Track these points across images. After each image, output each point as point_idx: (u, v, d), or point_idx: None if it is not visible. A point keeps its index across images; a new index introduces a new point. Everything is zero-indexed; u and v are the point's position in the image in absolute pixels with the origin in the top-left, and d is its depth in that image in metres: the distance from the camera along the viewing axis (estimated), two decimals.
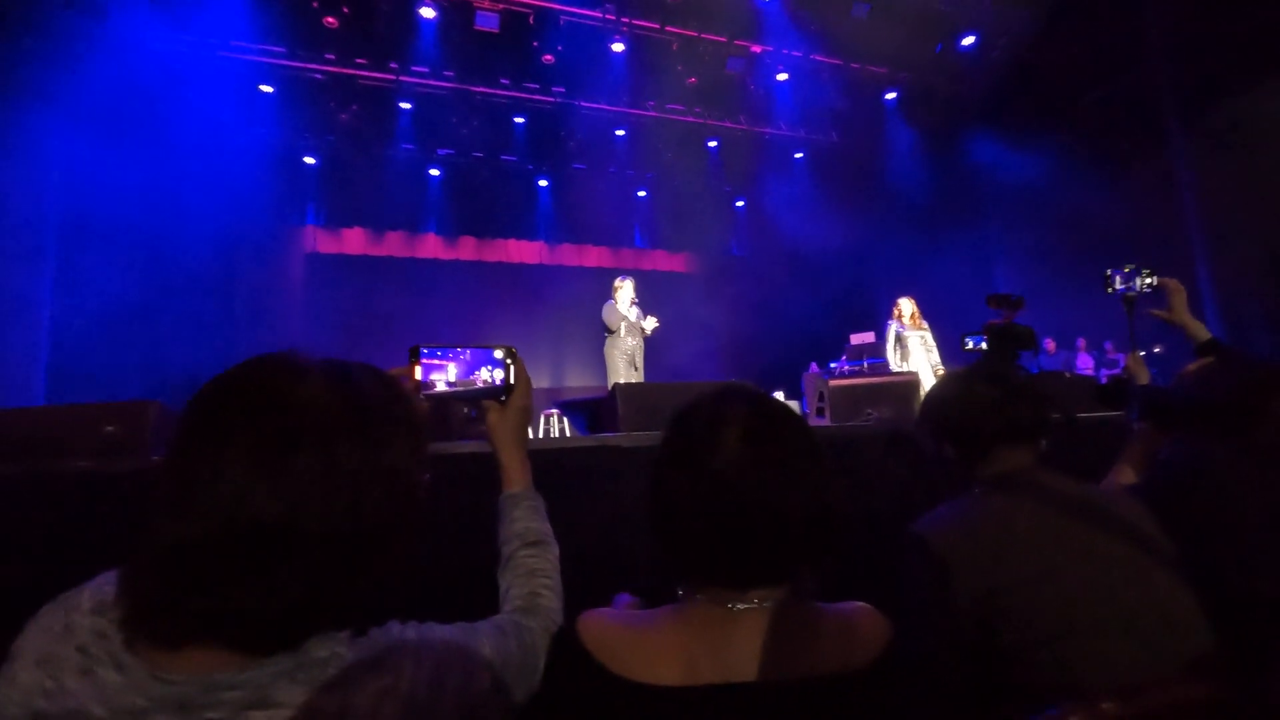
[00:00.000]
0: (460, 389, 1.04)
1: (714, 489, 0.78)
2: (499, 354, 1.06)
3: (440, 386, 1.02)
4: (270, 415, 0.59)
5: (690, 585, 0.85)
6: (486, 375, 1.05)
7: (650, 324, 6.11)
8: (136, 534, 0.58)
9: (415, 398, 0.73)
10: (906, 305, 6.60)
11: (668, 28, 8.78)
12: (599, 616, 0.84)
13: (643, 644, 0.79)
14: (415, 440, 0.68)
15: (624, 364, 6.00)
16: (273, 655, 0.60)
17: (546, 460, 1.64)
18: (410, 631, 0.71)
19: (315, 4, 7.71)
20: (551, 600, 0.94)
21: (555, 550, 1.01)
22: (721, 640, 0.78)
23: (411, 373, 0.99)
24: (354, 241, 11.43)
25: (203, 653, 0.58)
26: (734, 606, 0.80)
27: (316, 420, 0.60)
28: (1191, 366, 1.43)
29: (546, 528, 1.02)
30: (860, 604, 0.88)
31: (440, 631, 0.75)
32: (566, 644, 0.81)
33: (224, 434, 0.58)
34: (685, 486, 0.81)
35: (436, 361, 1.02)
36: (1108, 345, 9.18)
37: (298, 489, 0.57)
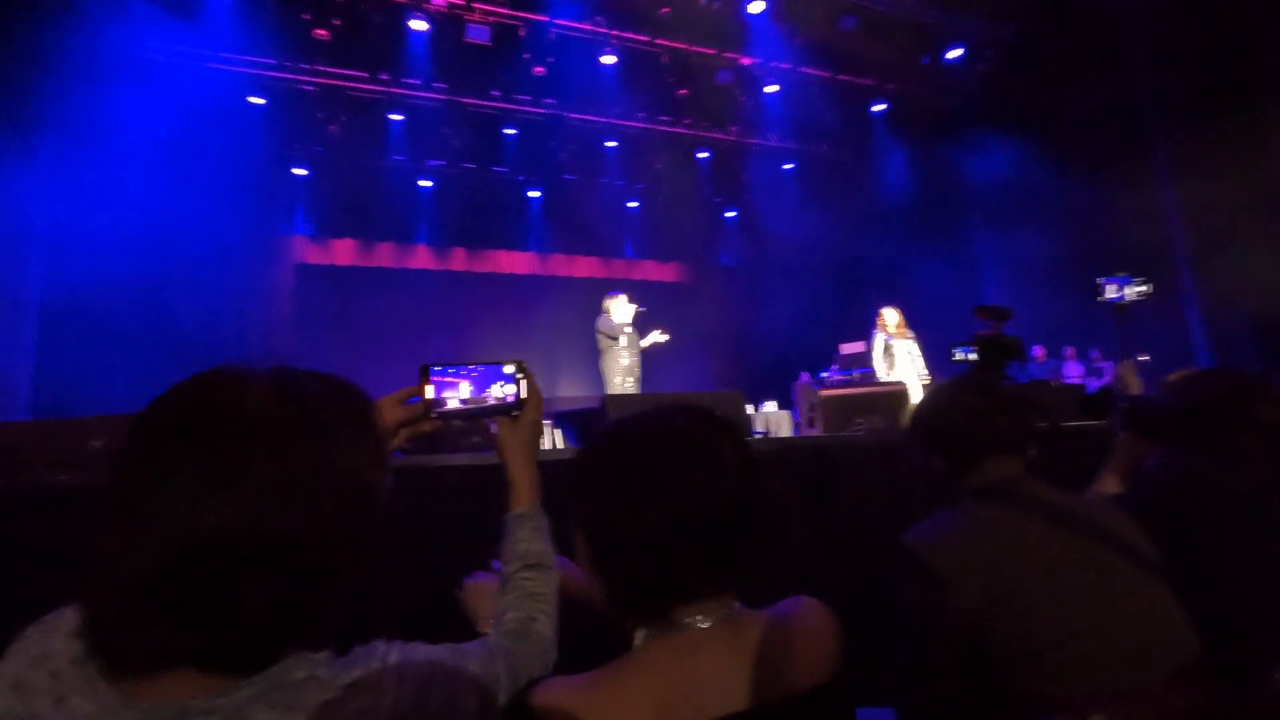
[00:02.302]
0: (472, 406, 1.03)
1: (666, 507, 0.76)
2: (509, 369, 1.06)
3: (453, 404, 1.01)
4: (219, 428, 0.57)
5: (639, 613, 0.81)
6: (498, 391, 1.05)
7: (650, 340, 6.16)
8: (86, 563, 0.55)
9: (369, 400, 0.71)
10: (891, 315, 6.62)
11: (658, 40, 8.84)
12: (553, 687, 0.79)
13: (608, 704, 0.75)
14: (371, 443, 0.66)
15: (622, 377, 5.99)
16: (249, 677, 0.58)
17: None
18: (395, 650, 0.69)
19: (306, 16, 7.71)
20: (546, 628, 0.92)
21: (556, 575, 0.99)
22: (689, 675, 0.75)
23: (422, 392, 0.98)
24: (344, 253, 11.40)
25: (176, 678, 0.56)
26: (690, 622, 0.77)
27: (266, 429, 0.58)
28: (1172, 376, 1.45)
29: (550, 550, 1.00)
30: (805, 601, 0.86)
31: (426, 651, 0.73)
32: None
33: (172, 451, 0.56)
34: (637, 515, 0.77)
35: (448, 379, 1.01)
36: (1093, 354, 9.26)
37: (253, 500, 0.55)
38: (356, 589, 0.63)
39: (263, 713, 0.57)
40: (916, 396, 4.14)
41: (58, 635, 0.61)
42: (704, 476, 0.77)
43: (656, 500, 0.76)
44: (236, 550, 0.54)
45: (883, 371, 6.57)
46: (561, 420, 3.07)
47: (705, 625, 0.77)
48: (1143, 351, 7.83)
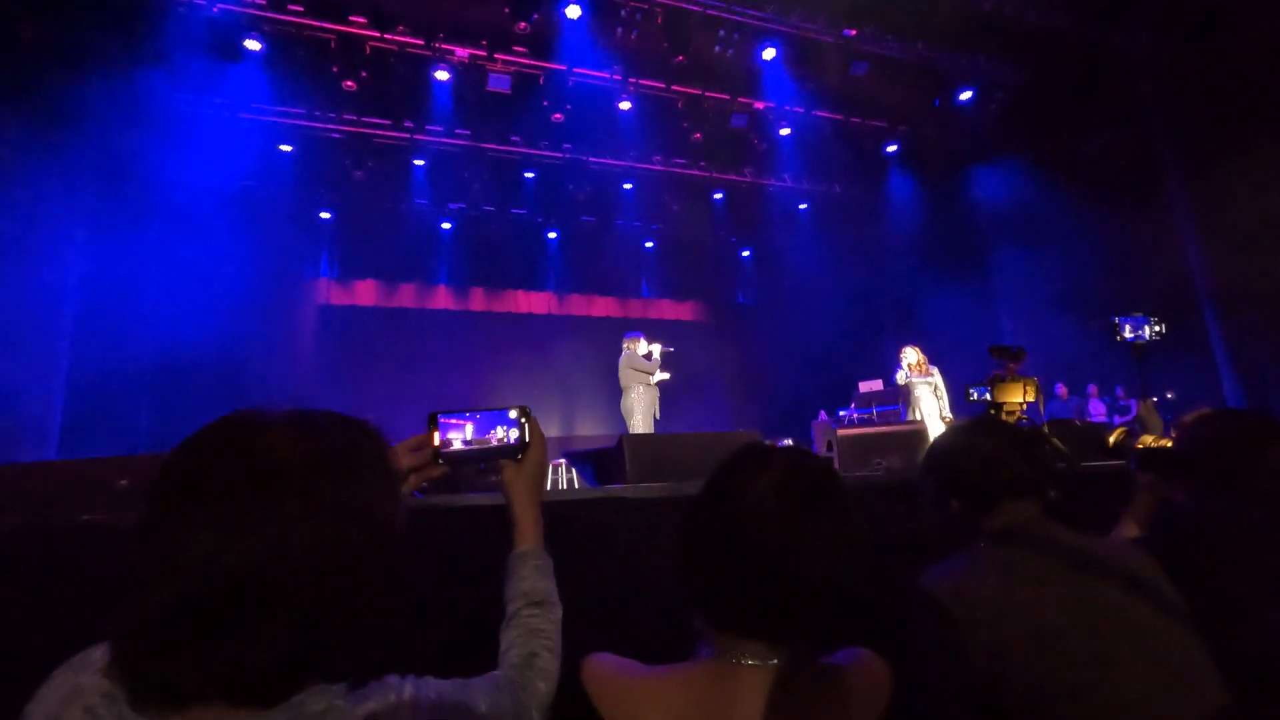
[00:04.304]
0: (476, 448, 1.07)
1: (746, 524, 0.80)
2: (513, 414, 1.10)
3: (456, 446, 1.05)
4: (242, 468, 0.60)
5: (705, 631, 0.85)
6: (501, 433, 1.09)
7: (656, 379, 6.21)
8: (118, 602, 0.58)
9: (384, 440, 0.75)
10: (911, 354, 6.61)
11: (673, 86, 9.09)
12: (604, 663, 0.84)
13: (643, 698, 0.79)
14: (386, 481, 0.70)
15: (644, 415, 6.02)
16: (270, 709, 0.60)
17: (552, 512, 1.64)
18: (408, 685, 0.72)
19: (335, 69, 8.04)
20: (550, 662, 0.94)
21: (559, 612, 1.01)
22: (724, 701, 0.78)
23: (430, 440, 1.03)
24: (366, 293, 11.62)
25: (202, 710, 0.58)
26: (741, 661, 0.79)
27: (287, 468, 0.61)
28: (1188, 418, 1.43)
29: (552, 588, 1.03)
30: (863, 654, 0.88)
31: (436, 686, 0.75)
32: (567, 689, 0.81)
33: (198, 491, 0.59)
34: (721, 519, 0.83)
35: (453, 424, 1.05)
36: (1119, 391, 9.11)
37: (275, 537, 0.58)
38: (375, 623, 0.66)
39: None
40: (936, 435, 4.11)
41: (88, 672, 0.63)
42: (801, 540, 0.79)
43: (743, 549, 0.80)
44: (260, 585, 0.57)
45: (903, 412, 6.53)
46: (577, 460, 3.07)
47: (752, 663, 0.80)
48: (1168, 389, 7.70)
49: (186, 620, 0.56)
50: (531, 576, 1.01)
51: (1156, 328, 2.19)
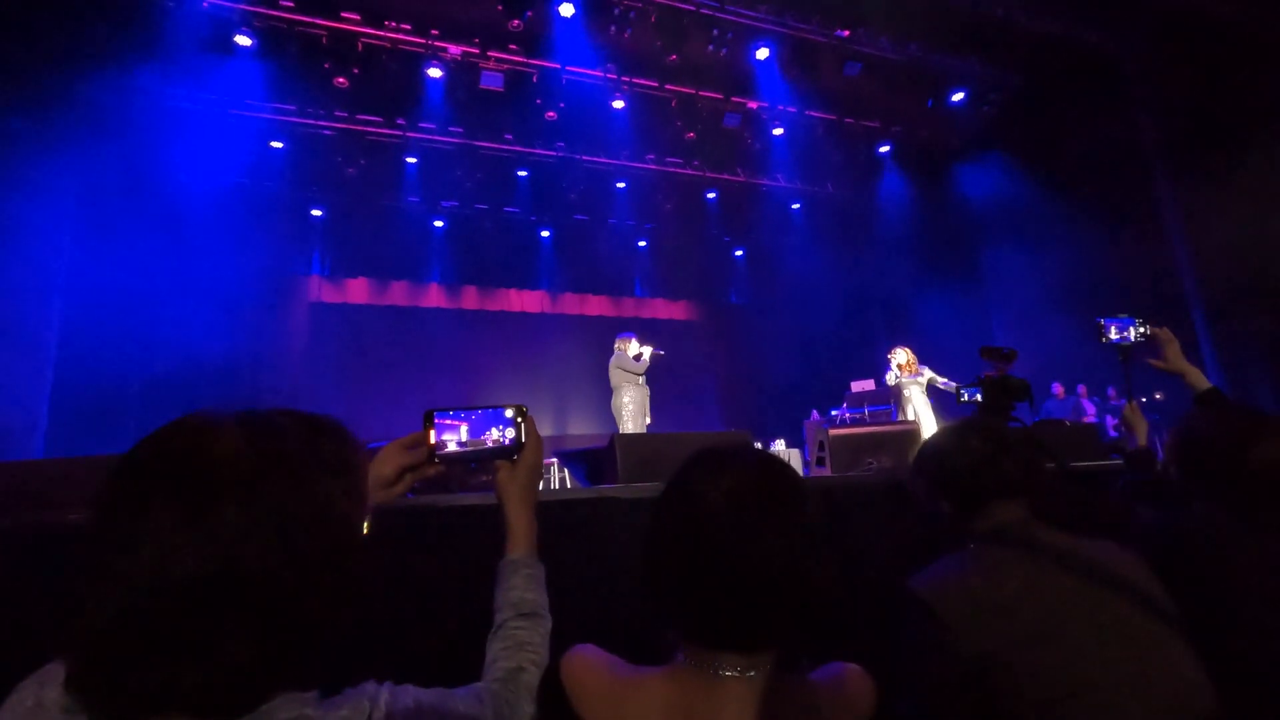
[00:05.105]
0: (471, 449, 1.05)
1: (699, 533, 0.78)
2: (509, 413, 1.08)
3: (452, 446, 1.04)
4: (188, 473, 0.58)
5: (676, 641, 0.84)
6: (497, 434, 1.07)
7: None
8: (68, 613, 0.56)
9: (349, 437, 0.73)
10: (901, 354, 6.65)
11: (667, 86, 9.09)
12: (585, 658, 0.83)
13: (624, 701, 0.78)
14: (347, 480, 0.68)
15: (635, 415, 6.02)
16: (236, 718, 0.59)
17: (543, 511, 1.64)
18: (384, 693, 0.70)
19: (327, 65, 7.99)
20: (534, 677, 0.92)
21: (548, 624, 0.99)
22: (703, 711, 0.77)
23: (426, 438, 1.01)
24: (358, 291, 11.56)
25: None
26: (718, 672, 0.78)
27: (236, 471, 0.59)
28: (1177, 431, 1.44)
29: (543, 599, 1.00)
30: (848, 669, 0.87)
31: (415, 694, 0.73)
32: (546, 683, 0.80)
33: (142, 499, 0.57)
34: (675, 529, 0.81)
35: (449, 423, 1.04)
36: (1110, 391, 9.17)
37: (225, 543, 0.56)
38: (344, 627, 0.64)
39: None
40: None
41: (51, 686, 0.61)
42: (754, 546, 0.77)
43: (699, 558, 0.78)
44: (211, 593, 0.55)
45: (893, 412, 6.58)
46: (568, 460, 3.06)
47: (730, 674, 0.78)
48: (1156, 390, 7.76)
49: (138, 632, 0.54)
50: (521, 586, 0.99)
51: (1142, 329, 2.20)
